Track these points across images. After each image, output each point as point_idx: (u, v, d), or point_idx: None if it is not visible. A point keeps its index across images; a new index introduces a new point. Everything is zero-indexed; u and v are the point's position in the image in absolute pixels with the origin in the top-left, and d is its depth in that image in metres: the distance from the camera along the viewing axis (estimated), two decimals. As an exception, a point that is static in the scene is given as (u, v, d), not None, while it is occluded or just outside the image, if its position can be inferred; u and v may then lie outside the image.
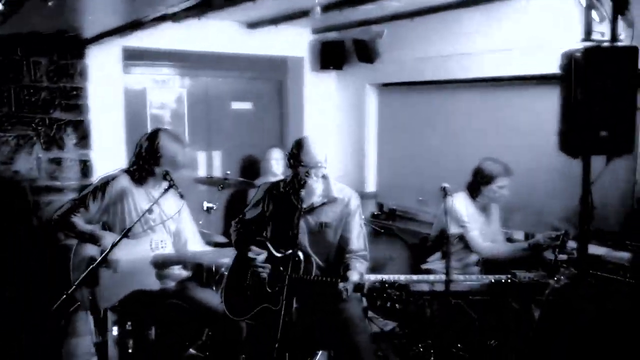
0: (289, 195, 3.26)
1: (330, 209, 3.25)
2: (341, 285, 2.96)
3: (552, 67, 3.76)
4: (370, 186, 5.82)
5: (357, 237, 3.28)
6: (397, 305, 2.74)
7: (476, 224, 4.01)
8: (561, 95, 3.27)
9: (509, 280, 3.57)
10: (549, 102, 4.22)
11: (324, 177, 3.24)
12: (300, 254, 3.06)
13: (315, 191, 3.21)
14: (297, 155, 3.14)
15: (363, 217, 3.38)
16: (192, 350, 4.25)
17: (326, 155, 3.16)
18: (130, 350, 4.17)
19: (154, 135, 3.39)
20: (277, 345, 2.46)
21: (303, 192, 2.99)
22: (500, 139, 4.64)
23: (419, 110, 5.37)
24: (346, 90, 5.90)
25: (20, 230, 3.68)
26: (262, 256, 3.19)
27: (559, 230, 3.69)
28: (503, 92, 4.65)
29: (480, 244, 4.01)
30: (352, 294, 2.97)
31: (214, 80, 5.70)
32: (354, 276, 3.05)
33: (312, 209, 3.22)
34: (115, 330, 4.21)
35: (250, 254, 3.19)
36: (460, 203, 4.04)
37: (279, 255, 3.23)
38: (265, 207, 3.34)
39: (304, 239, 3.18)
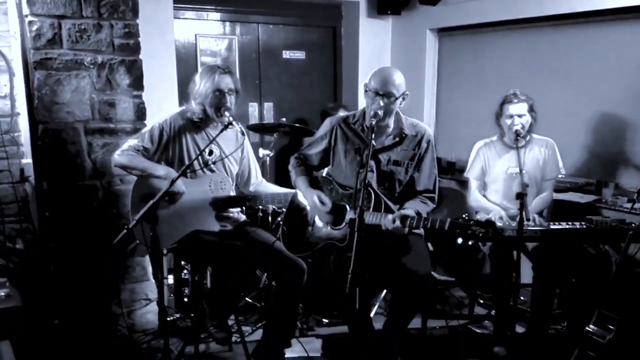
0: (358, 131, 3.06)
1: (402, 147, 3.05)
2: (387, 217, 2.79)
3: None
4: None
5: (428, 178, 3.09)
6: (481, 243, 2.54)
7: (495, 169, 3.77)
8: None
9: (585, 226, 3.34)
10: (632, 39, 3.91)
11: (396, 113, 3.04)
12: (371, 191, 2.88)
13: (386, 129, 3.01)
14: (370, 83, 2.93)
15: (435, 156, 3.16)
16: (248, 299, 4.16)
17: (404, 92, 2.93)
18: (185, 300, 4.12)
19: (202, 72, 3.24)
20: (349, 277, 2.28)
21: (374, 122, 2.77)
22: (581, 83, 4.31)
23: (485, 56, 5.05)
24: (404, 37, 5.60)
25: (74, 173, 3.58)
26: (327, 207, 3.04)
27: None
28: (586, 30, 4.27)
29: (470, 194, 3.90)
30: (396, 226, 2.78)
31: (265, 27, 5.48)
32: (404, 211, 2.87)
33: (382, 147, 3.03)
34: (171, 279, 4.16)
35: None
36: (474, 149, 3.88)
37: (344, 192, 3.08)
38: (331, 142, 3.14)
39: (372, 177, 3.00)
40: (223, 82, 3.16)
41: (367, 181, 2.58)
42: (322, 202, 3.04)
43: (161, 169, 3.15)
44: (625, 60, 4.00)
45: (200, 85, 3.18)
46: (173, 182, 2.77)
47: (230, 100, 3.19)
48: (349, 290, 2.28)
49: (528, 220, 3.30)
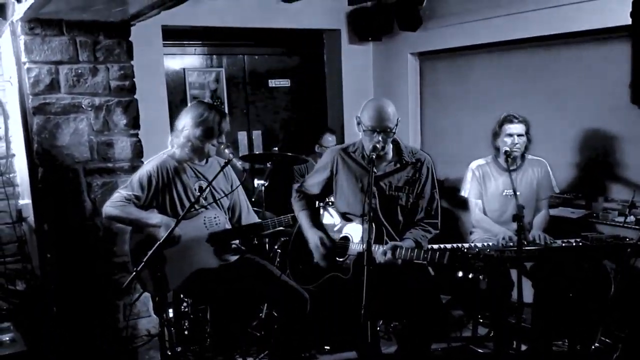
0: (358, 159, 3.15)
1: (402, 174, 3.12)
2: (378, 250, 2.87)
3: (615, 19, 3.63)
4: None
5: (429, 204, 3.15)
6: (481, 277, 2.63)
7: (491, 190, 3.84)
8: (633, 45, 3.16)
9: (580, 243, 3.44)
10: (612, 58, 4.08)
11: (395, 141, 3.13)
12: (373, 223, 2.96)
13: (386, 156, 3.10)
14: (364, 119, 3.00)
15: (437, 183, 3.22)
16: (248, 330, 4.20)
17: (397, 119, 3.01)
18: (186, 332, 4.14)
19: (189, 109, 3.26)
20: (363, 312, 2.36)
21: (374, 156, 2.87)
22: (564, 100, 4.44)
23: (466, 76, 5.19)
24: (386, 61, 5.73)
25: (74, 214, 3.62)
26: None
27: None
28: (560, 51, 4.44)
29: (474, 215, 3.91)
30: (388, 259, 2.86)
31: (251, 58, 5.60)
32: (396, 242, 2.94)
33: (383, 174, 3.11)
34: (170, 313, 4.18)
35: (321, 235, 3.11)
36: (469, 170, 3.92)
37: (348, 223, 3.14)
38: (332, 171, 3.23)
39: (374, 204, 3.03)
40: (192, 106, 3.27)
41: (372, 214, 2.66)
42: (323, 245, 3.10)
43: (155, 218, 3.15)
44: (605, 78, 4.14)
45: (186, 122, 3.20)
46: (171, 232, 2.84)
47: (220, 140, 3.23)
48: (363, 323, 2.35)
49: (532, 242, 3.35)
